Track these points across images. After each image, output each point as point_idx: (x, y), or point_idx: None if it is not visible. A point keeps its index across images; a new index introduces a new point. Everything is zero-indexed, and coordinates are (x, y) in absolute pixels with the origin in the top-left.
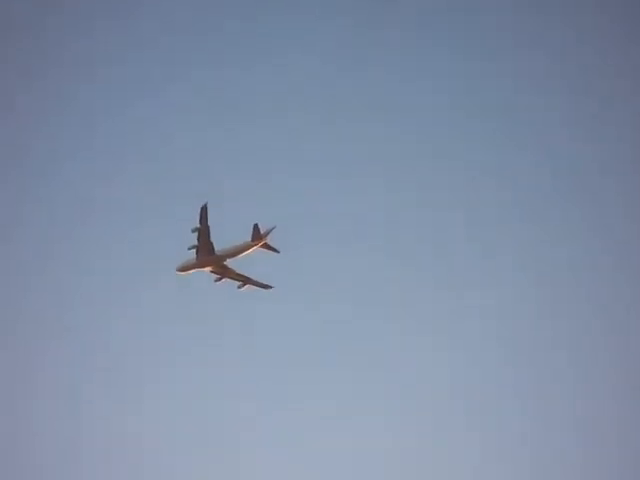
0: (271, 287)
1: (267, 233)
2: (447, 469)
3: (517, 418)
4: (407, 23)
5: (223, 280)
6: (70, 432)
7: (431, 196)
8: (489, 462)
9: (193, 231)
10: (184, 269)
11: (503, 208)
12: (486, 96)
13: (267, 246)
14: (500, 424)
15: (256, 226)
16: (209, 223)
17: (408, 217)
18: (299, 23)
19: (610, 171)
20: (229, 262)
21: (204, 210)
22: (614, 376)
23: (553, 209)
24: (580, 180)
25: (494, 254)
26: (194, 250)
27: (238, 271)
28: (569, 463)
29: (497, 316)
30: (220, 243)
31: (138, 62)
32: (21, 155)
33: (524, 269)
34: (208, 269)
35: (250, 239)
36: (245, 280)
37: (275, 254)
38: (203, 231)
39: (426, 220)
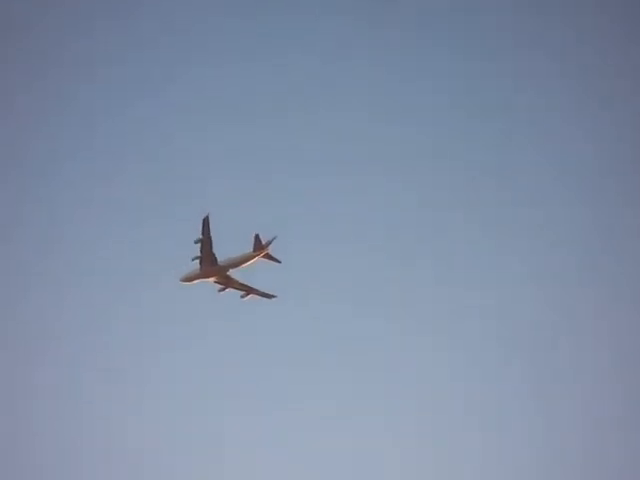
0: (274, 296)
1: (268, 244)
2: (447, 469)
3: (517, 418)
4: (407, 23)
5: (227, 290)
6: (70, 432)
7: (431, 196)
8: (489, 462)
9: (196, 242)
10: (188, 280)
11: (503, 208)
12: (486, 96)
13: (268, 256)
14: (500, 424)
15: (257, 237)
16: (211, 234)
17: (408, 217)
18: (299, 23)
19: (610, 171)
20: (232, 272)
21: (206, 222)
22: (614, 376)
23: (553, 209)
24: (580, 180)
25: (494, 254)
26: (197, 261)
27: (241, 280)
28: (569, 463)
29: (497, 316)
30: (220, 243)
31: (138, 62)
32: (21, 155)
33: (524, 269)
34: (212, 279)
35: (251, 246)
36: (248, 290)
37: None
38: (206, 242)
39: (426, 220)
